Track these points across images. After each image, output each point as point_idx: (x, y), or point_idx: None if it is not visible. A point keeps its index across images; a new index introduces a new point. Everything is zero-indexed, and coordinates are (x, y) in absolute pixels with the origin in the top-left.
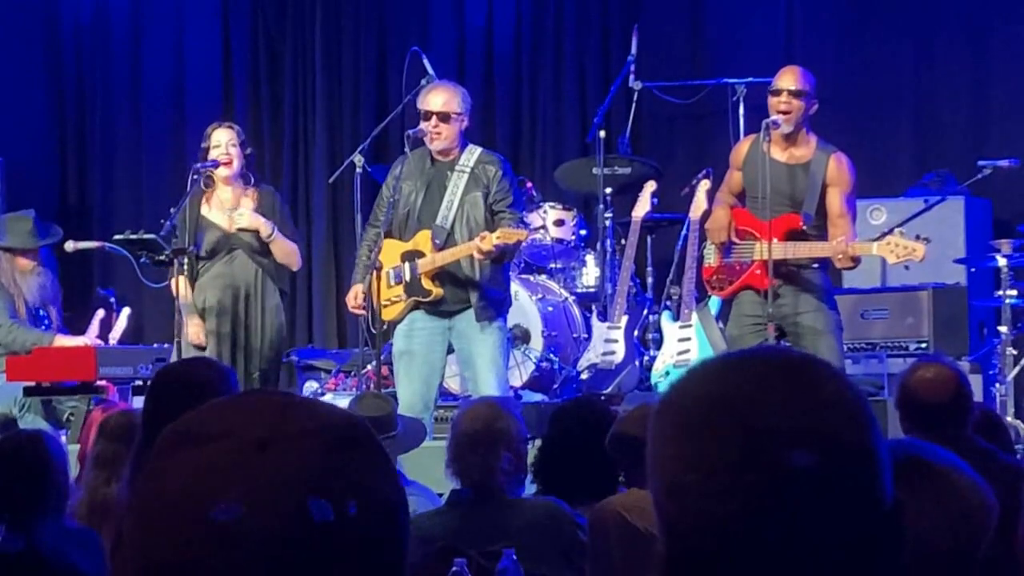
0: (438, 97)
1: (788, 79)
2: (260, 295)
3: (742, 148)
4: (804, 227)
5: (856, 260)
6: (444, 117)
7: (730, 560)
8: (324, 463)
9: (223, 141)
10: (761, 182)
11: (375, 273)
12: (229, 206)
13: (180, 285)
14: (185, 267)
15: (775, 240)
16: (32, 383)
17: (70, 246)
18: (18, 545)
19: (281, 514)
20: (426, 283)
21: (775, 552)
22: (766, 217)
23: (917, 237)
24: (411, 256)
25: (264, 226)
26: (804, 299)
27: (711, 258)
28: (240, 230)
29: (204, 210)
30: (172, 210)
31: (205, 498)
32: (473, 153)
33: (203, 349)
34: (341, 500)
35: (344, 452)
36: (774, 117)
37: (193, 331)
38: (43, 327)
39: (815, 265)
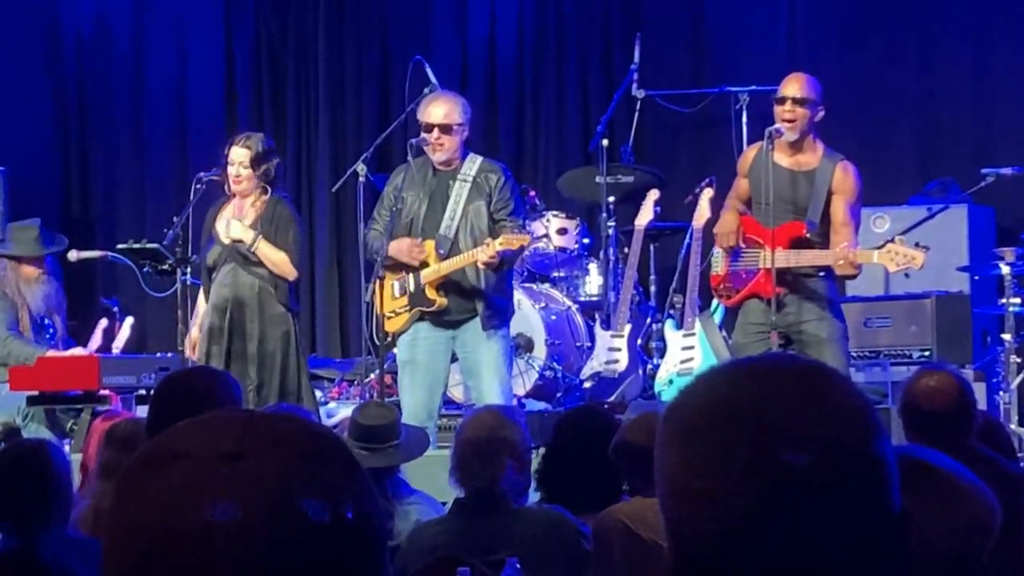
0: (439, 109)
1: (793, 87)
2: (258, 307)
3: (749, 155)
4: (808, 234)
5: (858, 268)
6: (446, 129)
7: (736, 565)
8: (299, 472)
9: (236, 161)
10: (765, 188)
11: (379, 283)
12: (239, 216)
13: (200, 302)
14: (202, 282)
15: (779, 248)
16: (35, 392)
17: (73, 256)
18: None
19: (275, 515)
20: (430, 293)
21: (780, 558)
22: (770, 224)
23: (917, 245)
24: (415, 267)
25: (247, 235)
26: (809, 308)
27: (718, 266)
28: (235, 242)
29: (219, 223)
30: (175, 219)
31: (176, 515)
32: (475, 162)
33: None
34: (337, 502)
35: (317, 461)
36: (778, 125)
37: (191, 344)
38: (48, 336)
39: (820, 274)
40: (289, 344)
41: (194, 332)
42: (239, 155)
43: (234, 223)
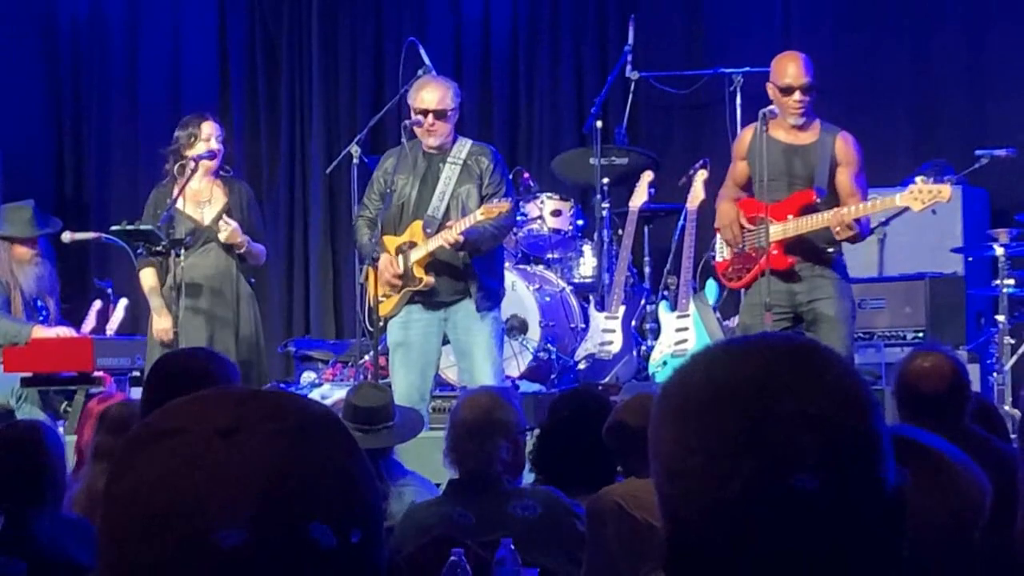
0: (432, 94)
1: (796, 73)
2: (235, 285)
3: (745, 137)
4: (818, 200)
5: (857, 230)
6: (440, 114)
7: (731, 545)
8: (291, 448)
9: (212, 135)
10: (769, 165)
11: (372, 265)
12: (203, 199)
13: (149, 277)
14: (160, 260)
15: (790, 216)
16: (29, 374)
17: (67, 237)
18: (18, 568)
19: (284, 539)
20: (417, 271)
21: (775, 535)
22: (775, 198)
23: (941, 181)
24: (404, 248)
25: (241, 243)
26: (820, 286)
27: (724, 251)
28: (214, 222)
29: (178, 202)
30: (168, 200)
31: (171, 490)
32: (464, 145)
33: (169, 347)
34: (343, 525)
35: (311, 437)
36: (772, 107)
37: (162, 327)
38: (41, 318)
39: (830, 250)
40: (258, 324)
41: (165, 317)
42: (215, 129)
43: (226, 228)
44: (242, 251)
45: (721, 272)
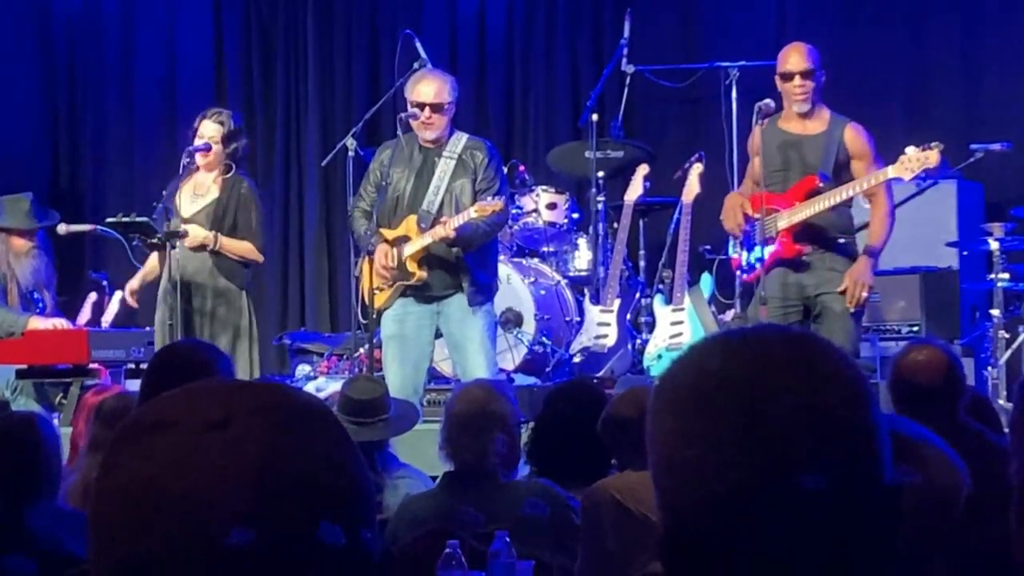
0: (429, 87)
1: (797, 61)
2: (211, 285)
3: (757, 132)
4: (821, 185)
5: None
6: (436, 108)
7: (727, 537)
8: (284, 439)
9: (206, 135)
10: (779, 151)
11: (367, 258)
12: (199, 193)
13: (152, 260)
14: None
15: (797, 203)
16: (25, 366)
17: (62, 229)
18: (28, 568)
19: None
20: (410, 266)
21: (770, 526)
22: (773, 190)
23: (928, 148)
24: (398, 242)
25: (208, 240)
26: (830, 279)
27: (738, 246)
28: (193, 217)
29: (179, 196)
30: (164, 192)
31: (162, 484)
32: (460, 140)
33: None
34: (353, 524)
35: (303, 428)
36: (767, 101)
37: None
38: (37, 311)
39: (842, 240)
40: (240, 323)
41: (134, 282)
42: (210, 129)
43: (193, 231)
44: (211, 248)
45: (737, 267)
